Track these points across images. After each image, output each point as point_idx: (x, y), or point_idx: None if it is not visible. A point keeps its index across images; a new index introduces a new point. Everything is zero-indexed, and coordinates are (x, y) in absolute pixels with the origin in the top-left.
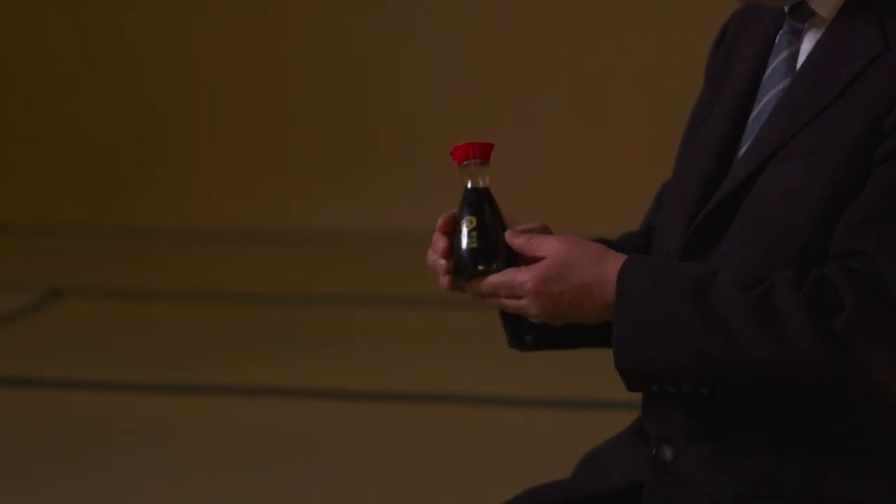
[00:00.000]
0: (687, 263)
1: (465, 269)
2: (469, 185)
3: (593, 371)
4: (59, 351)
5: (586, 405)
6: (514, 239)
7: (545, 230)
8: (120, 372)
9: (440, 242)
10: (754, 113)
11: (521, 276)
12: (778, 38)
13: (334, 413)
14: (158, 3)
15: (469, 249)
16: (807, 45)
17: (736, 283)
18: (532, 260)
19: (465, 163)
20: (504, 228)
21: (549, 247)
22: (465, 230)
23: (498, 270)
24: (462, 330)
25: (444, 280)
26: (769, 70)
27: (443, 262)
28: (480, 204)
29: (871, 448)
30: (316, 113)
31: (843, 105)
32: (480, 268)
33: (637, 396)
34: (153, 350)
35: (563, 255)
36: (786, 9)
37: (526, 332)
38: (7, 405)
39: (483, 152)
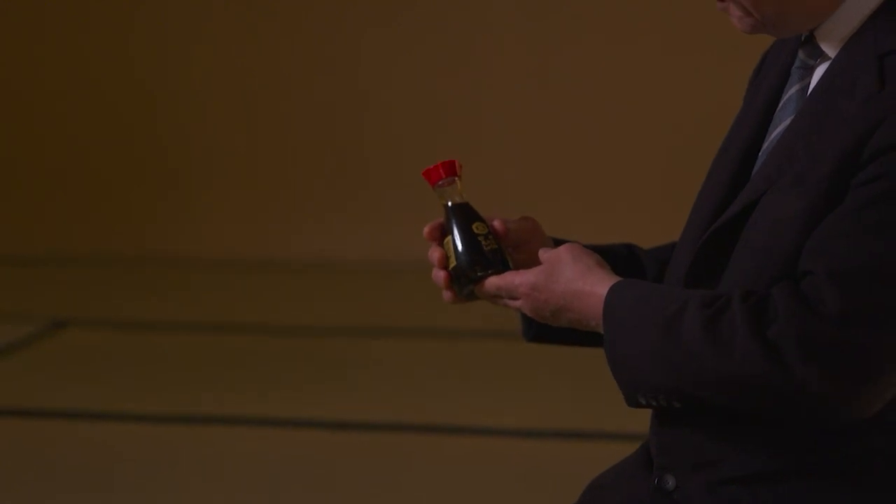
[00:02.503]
0: (672, 287)
1: (464, 278)
2: (449, 204)
3: (600, 402)
4: (63, 381)
5: (595, 436)
6: (542, 254)
7: (530, 223)
8: (124, 402)
9: (436, 253)
10: (765, 145)
11: (517, 279)
12: (792, 71)
13: (342, 444)
14: (163, 36)
15: (464, 261)
16: (815, 81)
17: (699, 298)
18: (535, 262)
19: (439, 183)
20: (491, 233)
21: (549, 255)
22: (457, 245)
23: (495, 274)
24: (468, 360)
25: (447, 294)
26: (781, 103)
27: (442, 273)
28: (463, 218)
29: (872, 475)
30: (319, 142)
31: (830, 139)
32: (479, 274)
33: (643, 428)
34: (158, 380)
35: (554, 264)
36: (802, 38)
37: (531, 324)
38: (11, 435)
39: (452, 170)
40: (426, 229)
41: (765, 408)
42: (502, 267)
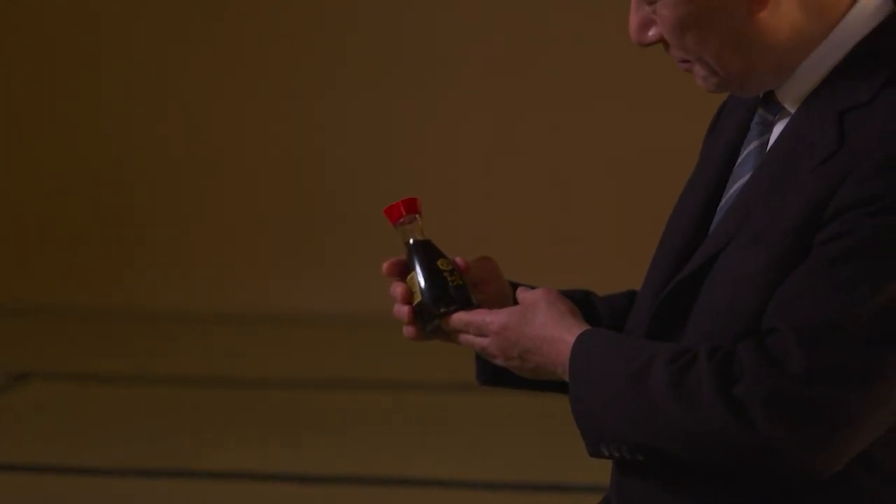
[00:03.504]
0: (640, 340)
1: (428, 314)
2: (411, 241)
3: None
4: (25, 434)
5: (559, 488)
6: (520, 293)
7: (489, 263)
8: (88, 456)
9: (398, 289)
10: (724, 200)
11: (488, 317)
12: (751, 126)
13: (315, 497)
14: (131, 86)
15: (429, 298)
16: (774, 137)
17: (666, 353)
18: (493, 302)
19: (400, 221)
20: (455, 269)
21: (525, 297)
22: (421, 281)
23: (459, 310)
24: (432, 412)
25: (409, 330)
26: (740, 159)
27: (406, 308)
28: (427, 254)
29: None
30: (284, 195)
31: (791, 197)
32: (443, 311)
33: (607, 479)
34: (123, 434)
35: (529, 307)
36: (761, 95)
37: (486, 366)
38: None
39: (413, 207)
40: (385, 266)
41: (729, 465)
42: (466, 303)
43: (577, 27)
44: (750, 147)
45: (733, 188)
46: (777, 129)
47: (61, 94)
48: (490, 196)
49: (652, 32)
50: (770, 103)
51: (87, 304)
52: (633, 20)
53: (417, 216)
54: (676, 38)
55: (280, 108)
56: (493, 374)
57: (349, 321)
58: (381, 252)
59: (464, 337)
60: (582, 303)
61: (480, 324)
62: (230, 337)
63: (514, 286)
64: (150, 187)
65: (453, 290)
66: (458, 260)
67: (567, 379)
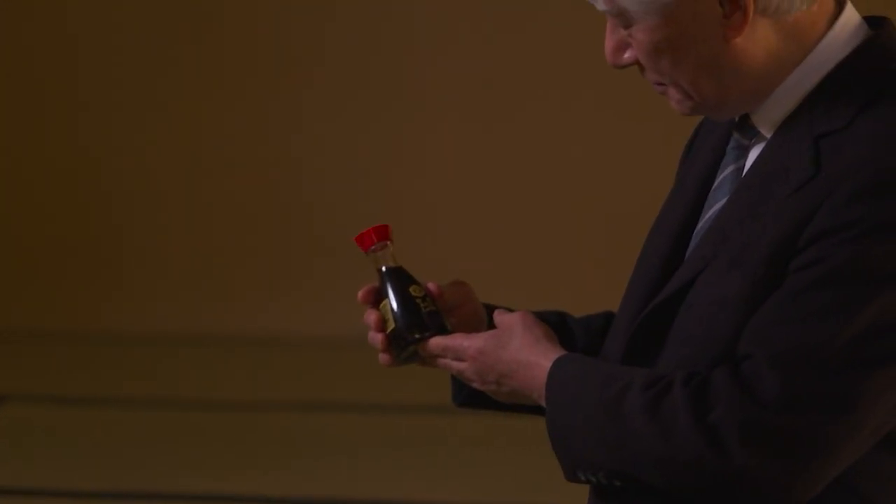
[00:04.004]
0: (616, 365)
1: (402, 341)
2: (383, 268)
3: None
4: (2, 458)
5: None
6: (496, 316)
7: (463, 287)
8: (64, 479)
9: (372, 316)
10: (700, 225)
11: (466, 342)
12: (727, 151)
13: None
14: (113, 108)
15: (402, 325)
16: (750, 162)
17: (642, 379)
18: (468, 326)
19: (371, 248)
20: (428, 295)
21: (502, 320)
22: (394, 308)
23: (433, 336)
24: (409, 435)
25: (384, 357)
26: (716, 183)
27: (380, 336)
28: (399, 281)
29: None
30: (262, 218)
31: (767, 223)
32: (417, 337)
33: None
34: (99, 457)
35: (504, 331)
36: (736, 119)
37: (462, 388)
38: None
39: (384, 234)
40: (360, 293)
41: (705, 492)
42: (440, 329)
43: (554, 42)
44: (726, 171)
45: (709, 213)
46: (753, 154)
47: (42, 115)
48: (468, 216)
49: (627, 55)
50: (745, 127)
51: (64, 328)
52: (609, 43)
53: (389, 243)
54: (652, 61)
55: (260, 131)
56: (470, 395)
57: (329, 344)
58: (360, 275)
59: (441, 361)
60: (557, 325)
61: (457, 348)
62: (208, 360)
63: (490, 308)
64: (129, 211)
65: (426, 316)
66: (431, 285)
67: (543, 404)
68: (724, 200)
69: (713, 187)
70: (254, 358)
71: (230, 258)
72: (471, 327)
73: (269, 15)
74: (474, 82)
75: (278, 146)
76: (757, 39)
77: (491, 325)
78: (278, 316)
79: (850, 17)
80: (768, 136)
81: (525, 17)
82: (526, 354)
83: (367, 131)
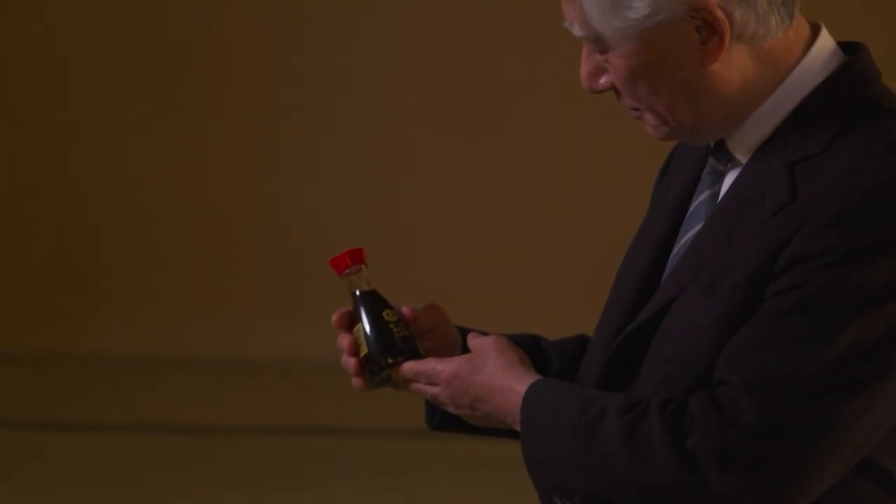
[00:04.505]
0: (591, 390)
1: (375, 366)
2: (357, 292)
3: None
4: None
5: None
6: (471, 340)
7: (437, 311)
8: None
9: (345, 340)
10: (675, 250)
11: (440, 366)
12: (702, 176)
13: None
14: (98, 130)
15: (375, 349)
16: (726, 187)
17: (618, 405)
18: (442, 350)
19: (346, 271)
20: (401, 320)
21: (475, 344)
22: (367, 332)
23: (406, 361)
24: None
25: (357, 381)
26: (692, 208)
27: (353, 360)
28: (372, 305)
29: None
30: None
31: (743, 248)
32: (391, 362)
33: None
34: (82, 482)
35: (478, 355)
36: (712, 144)
37: (435, 411)
38: None
39: (359, 258)
40: (334, 317)
41: None
42: (413, 354)
43: (533, 63)
44: (701, 197)
45: (685, 238)
46: (728, 179)
47: (26, 137)
48: (443, 240)
49: (603, 80)
50: (721, 153)
51: (42, 351)
52: (585, 68)
53: (363, 267)
54: (628, 87)
55: (240, 157)
56: (443, 419)
57: (311, 367)
58: (340, 299)
59: (414, 386)
60: (531, 348)
61: (431, 372)
62: (192, 383)
63: (464, 331)
64: (113, 233)
65: (399, 340)
66: (405, 309)
67: (518, 428)
68: (699, 225)
69: (689, 212)
70: (239, 381)
71: (214, 281)
72: (445, 351)
73: (251, 37)
74: (456, 104)
75: (263, 167)
76: (733, 65)
77: (465, 349)
78: (264, 339)
79: (825, 42)
80: (744, 161)
81: (506, 36)
82: (500, 379)
83: (347, 156)
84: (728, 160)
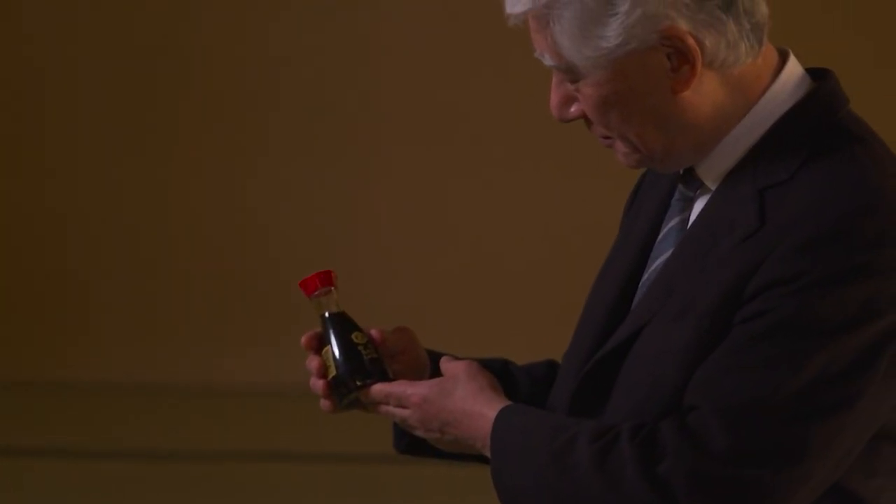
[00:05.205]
0: (562, 416)
1: (343, 388)
2: (326, 314)
3: None
4: None
5: None
6: (443, 364)
7: (406, 334)
8: None
9: (314, 362)
10: (645, 276)
11: (410, 389)
12: (672, 203)
13: None
14: (78, 158)
15: (343, 372)
16: (695, 214)
17: (588, 431)
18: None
19: (315, 293)
20: (370, 342)
21: (447, 368)
22: (336, 354)
23: (374, 384)
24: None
25: (325, 403)
26: (661, 235)
27: (321, 382)
28: (341, 327)
29: None
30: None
31: (712, 274)
32: (359, 384)
33: None
34: None
35: (449, 379)
36: (681, 171)
37: (403, 435)
38: None
39: (328, 280)
40: (304, 339)
41: None
42: (382, 376)
43: (505, 94)
44: (671, 223)
45: (655, 264)
46: (698, 206)
47: (6, 164)
48: (416, 265)
49: (573, 109)
50: (690, 179)
51: (28, 377)
52: (555, 97)
53: (332, 289)
54: (600, 115)
55: (221, 181)
56: (411, 443)
57: (287, 392)
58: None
59: (384, 408)
60: (501, 373)
61: (401, 395)
62: (173, 409)
63: (434, 355)
64: (93, 261)
65: (368, 363)
66: (374, 332)
67: (487, 453)
68: (669, 252)
69: (658, 239)
70: (220, 407)
71: (194, 308)
72: (414, 373)
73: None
74: (428, 134)
75: (240, 196)
76: (704, 93)
77: (434, 372)
78: (244, 365)
79: (793, 69)
80: (713, 188)
81: (476, 68)
82: (470, 404)
83: (324, 179)
84: (697, 187)
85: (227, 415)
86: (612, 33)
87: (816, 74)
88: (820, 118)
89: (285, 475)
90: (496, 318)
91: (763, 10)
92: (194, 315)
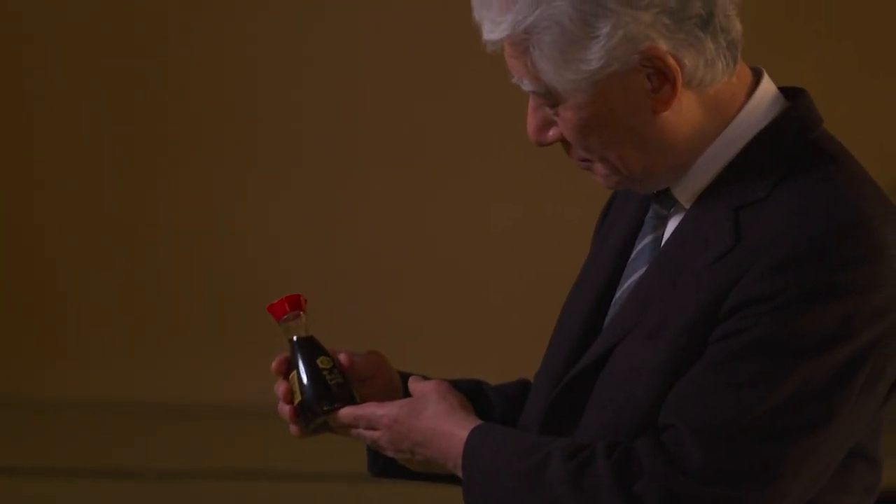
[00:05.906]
0: (534, 435)
1: (310, 413)
2: (294, 339)
3: None
4: None
5: None
6: (411, 384)
7: (377, 357)
8: None
9: (281, 387)
10: (618, 294)
11: (379, 411)
12: (645, 221)
13: None
14: (58, 175)
15: (309, 396)
16: (669, 232)
17: (562, 450)
18: (381, 396)
19: (283, 318)
20: (336, 367)
21: (416, 388)
22: (302, 379)
23: (340, 408)
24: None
25: (293, 428)
26: (634, 253)
27: (288, 408)
28: (308, 352)
29: None
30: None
31: (687, 292)
32: (325, 409)
33: None
34: None
35: (419, 399)
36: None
37: (377, 458)
38: None
39: (297, 304)
40: (274, 364)
41: None
42: (349, 401)
43: (477, 116)
44: (644, 241)
45: (628, 282)
46: (671, 224)
47: None
48: (390, 285)
49: (552, 133)
50: (664, 198)
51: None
52: (532, 121)
53: (301, 313)
54: (580, 138)
55: (203, 200)
56: (385, 464)
57: (271, 412)
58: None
59: (354, 431)
60: (473, 392)
61: (370, 417)
62: (152, 429)
63: (405, 376)
64: (72, 278)
65: (334, 387)
66: (342, 356)
67: (459, 473)
68: (642, 270)
69: (632, 257)
70: (203, 426)
71: (175, 326)
72: (385, 397)
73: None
74: (404, 158)
75: (221, 214)
76: (683, 112)
77: (407, 394)
78: (228, 384)
79: (767, 88)
80: (687, 206)
81: (449, 88)
82: (440, 423)
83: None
84: (671, 205)
85: (211, 434)
86: (593, 56)
87: (790, 93)
88: (794, 137)
89: (272, 494)
90: (476, 337)
91: (737, 27)
92: (178, 333)
